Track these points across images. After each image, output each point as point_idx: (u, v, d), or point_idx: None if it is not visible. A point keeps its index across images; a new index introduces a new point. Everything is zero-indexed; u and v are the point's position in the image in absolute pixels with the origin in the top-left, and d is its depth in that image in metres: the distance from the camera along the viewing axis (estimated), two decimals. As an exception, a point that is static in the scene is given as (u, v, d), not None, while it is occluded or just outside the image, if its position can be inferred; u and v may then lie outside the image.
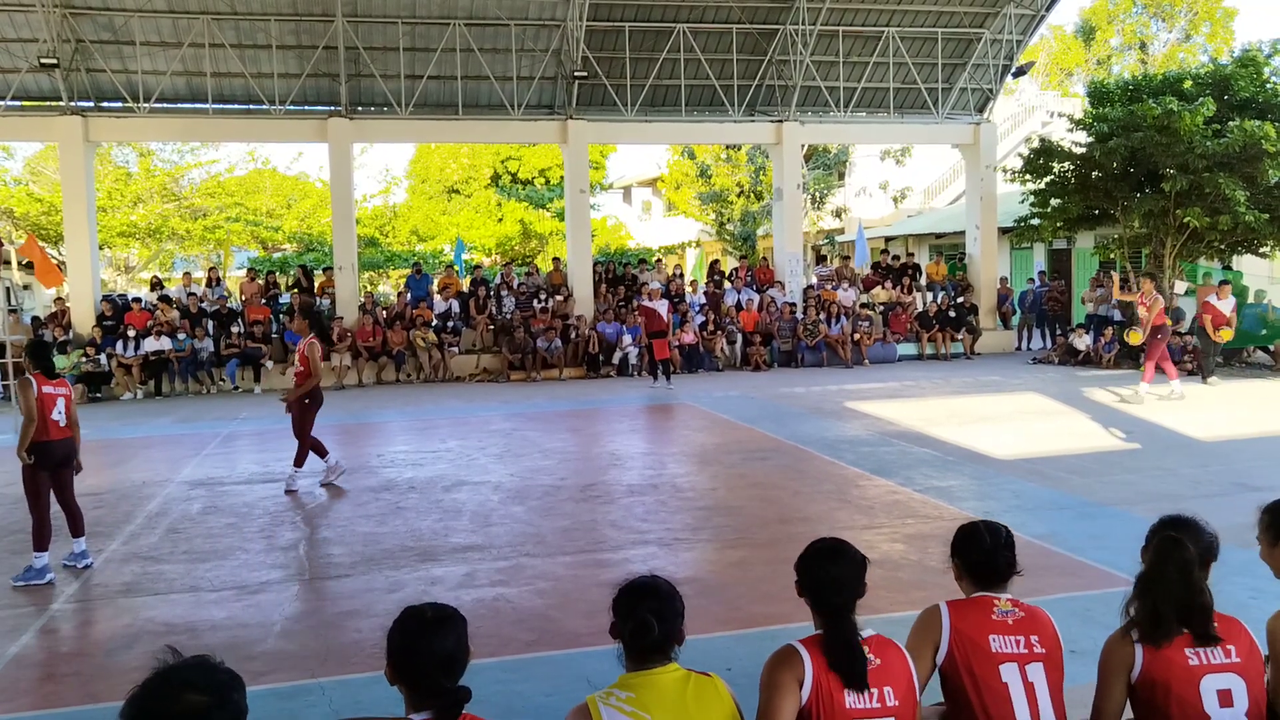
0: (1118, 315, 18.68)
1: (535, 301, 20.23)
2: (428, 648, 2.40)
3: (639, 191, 46.36)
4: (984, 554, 3.08)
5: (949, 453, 10.21)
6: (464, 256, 25.00)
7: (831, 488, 8.85)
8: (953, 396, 14.70)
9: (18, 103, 18.62)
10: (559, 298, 20.56)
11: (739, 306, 20.81)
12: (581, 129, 20.56)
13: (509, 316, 19.67)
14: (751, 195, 32.33)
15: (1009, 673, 2.87)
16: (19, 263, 16.35)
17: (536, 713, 4.41)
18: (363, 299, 20.22)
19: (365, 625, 5.60)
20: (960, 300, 21.70)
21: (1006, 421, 12.13)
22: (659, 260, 26.51)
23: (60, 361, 17.03)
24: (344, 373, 18.27)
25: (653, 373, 17.15)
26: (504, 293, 20.69)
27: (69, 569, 6.91)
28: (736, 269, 22.98)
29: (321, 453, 9.55)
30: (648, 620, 2.60)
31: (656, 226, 43.06)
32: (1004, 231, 23.66)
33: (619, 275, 22.00)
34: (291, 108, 19.55)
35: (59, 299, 19.33)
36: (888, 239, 30.11)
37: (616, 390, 16.89)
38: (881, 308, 21.59)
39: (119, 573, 6.77)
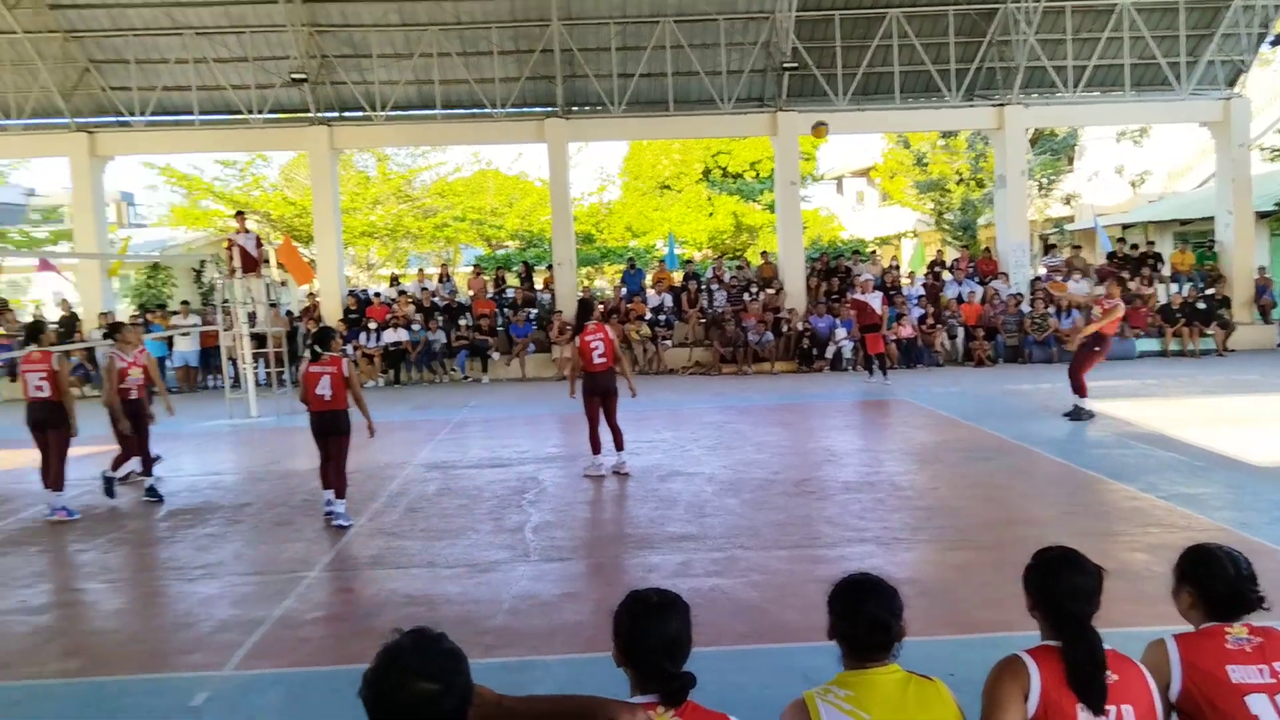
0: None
1: (746, 295, 20.23)
2: (653, 631, 2.44)
3: (852, 182, 45.36)
4: (1229, 586, 2.80)
5: (1197, 457, 9.41)
6: (676, 251, 25.33)
7: (1062, 491, 8.38)
8: (1202, 396, 13.54)
9: (274, 115, 20.46)
10: (770, 291, 20.47)
11: (960, 299, 20.00)
12: (791, 120, 20.35)
13: (720, 310, 19.78)
14: (972, 183, 30.95)
15: (1258, 705, 2.62)
16: (277, 261, 18.02)
17: (752, 704, 4.42)
18: (581, 293, 20.90)
19: (585, 608, 5.82)
20: (1210, 292, 19.91)
21: (1266, 425, 11.05)
22: (873, 252, 25.86)
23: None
24: (564, 364, 18.97)
25: (867, 367, 16.77)
26: (715, 286, 20.81)
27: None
28: (957, 260, 22.09)
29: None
30: (868, 618, 2.57)
31: (870, 217, 42.00)
32: (1261, 216, 21.52)
33: (831, 268, 21.65)
34: (511, 110, 20.45)
35: (311, 294, 21.13)
36: (1125, 226, 28.04)
37: (829, 385, 16.64)
38: (1117, 300, 20.10)
39: (366, 546, 7.34)
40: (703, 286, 20.76)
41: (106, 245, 21.03)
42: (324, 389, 8.01)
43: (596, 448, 9.58)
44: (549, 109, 20.41)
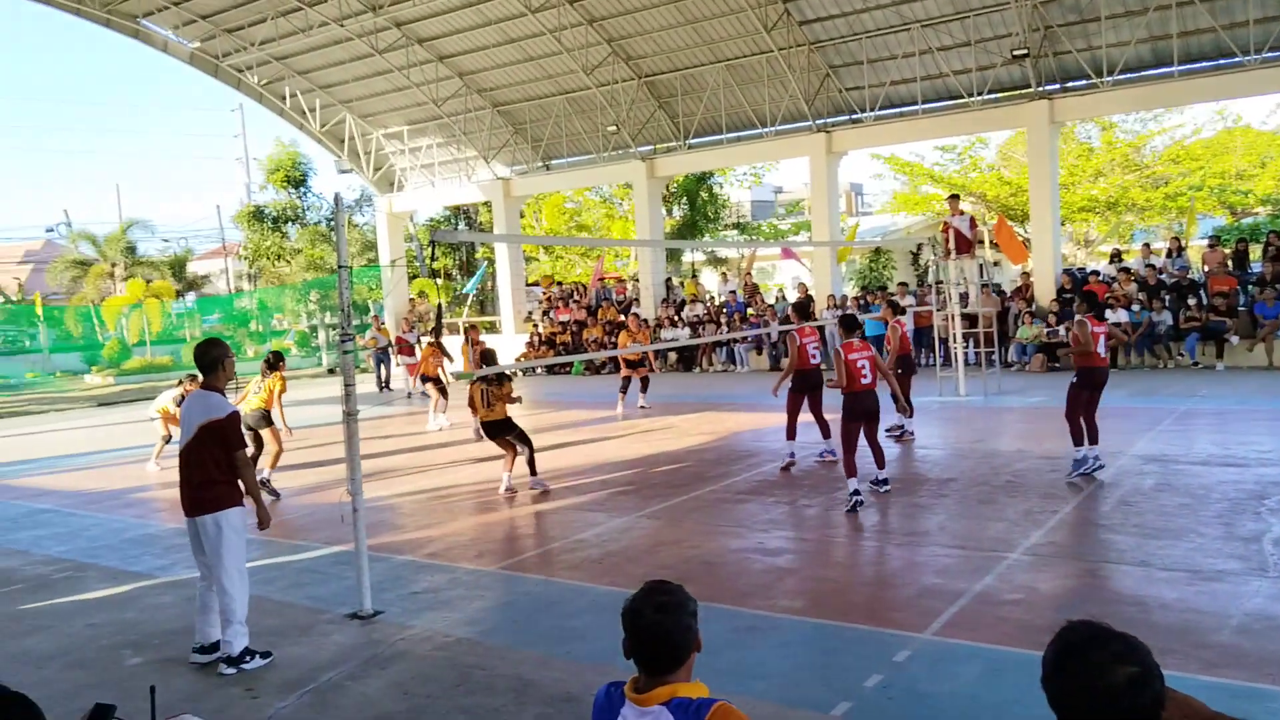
0: None
1: None
2: None
3: None
4: None
5: None
6: None
7: None
8: None
9: (993, 96, 20.47)
10: None
11: None
12: None
13: None
14: None
15: None
16: (990, 242, 18.10)
17: None
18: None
19: (1345, 643, 4.87)
20: None
21: None
22: None
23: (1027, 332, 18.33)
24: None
25: None
26: None
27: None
28: None
29: None
30: None
31: None
32: None
33: None
34: (1268, 55, 17.52)
35: (1024, 274, 20.80)
36: None
37: None
38: None
39: (1072, 534, 7.07)
40: None
41: (837, 233, 23.22)
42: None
43: None
44: (1320, 46, 17.08)
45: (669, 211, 32.64)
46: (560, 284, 29.90)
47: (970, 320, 16.20)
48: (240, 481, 5.53)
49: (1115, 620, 1.95)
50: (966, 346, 15.98)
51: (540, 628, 5.86)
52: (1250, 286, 17.62)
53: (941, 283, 16.22)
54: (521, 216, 30.91)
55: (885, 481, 8.76)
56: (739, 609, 5.91)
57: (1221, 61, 18.20)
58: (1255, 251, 20.13)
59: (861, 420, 8.45)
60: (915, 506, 8.25)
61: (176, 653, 5.76)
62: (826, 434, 10.38)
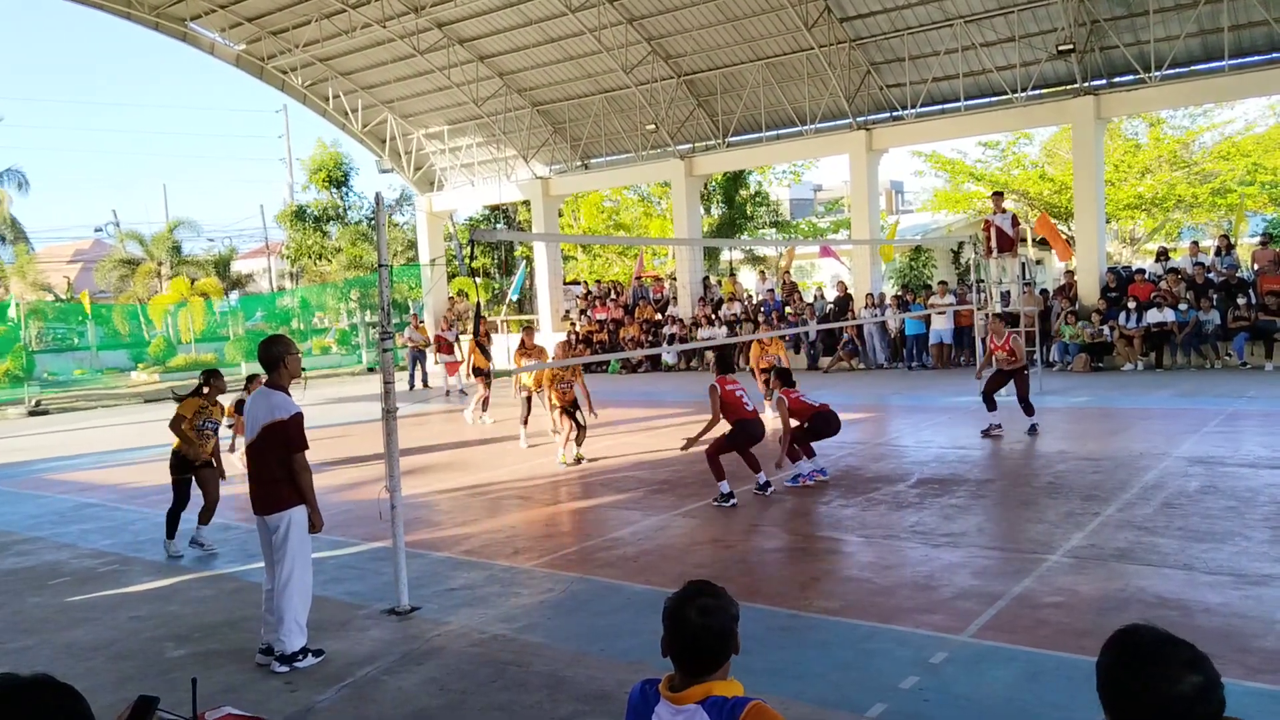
0: None
1: None
2: None
3: None
4: None
5: None
6: None
7: None
8: None
9: (1037, 92, 20.19)
10: None
11: None
12: None
13: None
14: None
15: None
16: (1033, 239, 17.85)
17: None
18: None
19: (1396, 650, 4.76)
20: None
21: None
22: None
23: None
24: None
25: None
26: None
27: None
28: None
29: None
30: None
31: None
32: None
33: None
34: (1325, 47, 17.12)
35: (1069, 272, 20.50)
36: None
37: None
38: None
39: (1114, 537, 6.96)
40: None
41: (877, 231, 23.05)
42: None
43: None
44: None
45: (707, 210, 32.58)
46: (597, 283, 29.95)
47: (1012, 319, 15.99)
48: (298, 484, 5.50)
49: (1158, 624, 1.92)
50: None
51: (575, 625, 5.89)
52: (1303, 285, 17.21)
53: (982, 281, 16.04)
54: (560, 215, 31.03)
55: (768, 484, 9.09)
56: (775, 609, 5.89)
57: (1274, 55, 17.79)
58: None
59: (744, 444, 8.99)
60: (954, 508, 8.17)
61: (218, 645, 5.87)
62: (810, 453, 9.67)
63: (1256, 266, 18.45)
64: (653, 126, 24.84)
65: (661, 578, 6.58)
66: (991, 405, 11.35)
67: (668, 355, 23.72)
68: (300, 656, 5.41)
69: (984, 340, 13.38)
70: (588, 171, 27.63)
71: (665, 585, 6.20)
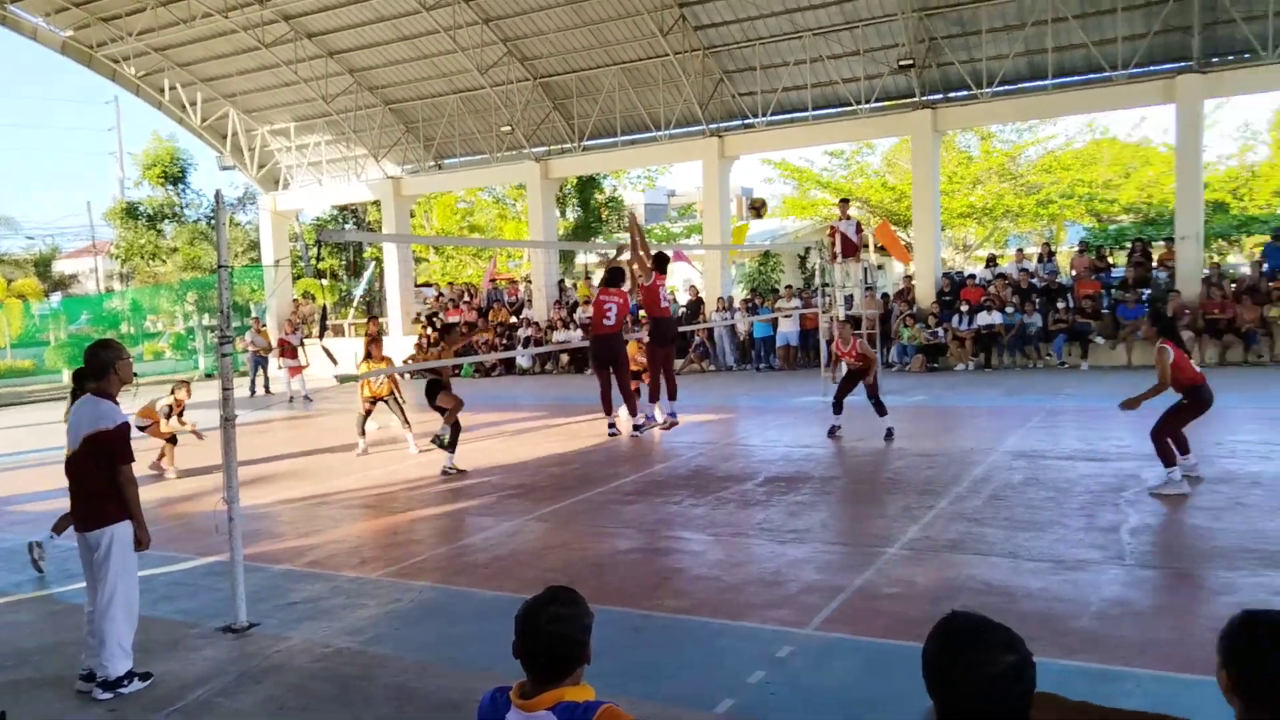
0: None
1: None
2: (1276, 660, 1.98)
3: None
4: None
5: None
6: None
7: None
8: None
9: (880, 104, 21.09)
10: None
11: None
12: None
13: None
14: None
15: None
16: (874, 245, 18.63)
17: None
18: (1207, 271, 18.35)
19: (1189, 625, 5.18)
20: None
21: None
22: None
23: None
24: (1193, 347, 16.85)
25: None
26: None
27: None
28: None
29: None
30: None
31: None
32: None
33: None
34: (1134, 71, 18.52)
35: (907, 277, 21.47)
36: None
37: None
38: None
39: (947, 529, 7.32)
40: (1380, 260, 16.91)
41: (728, 237, 23.55)
42: None
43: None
44: (1180, 65, 18.08)
45: (562, 213, 32.57)
46: (450, 285, 29.48)
47: (855, 322, 16.62)
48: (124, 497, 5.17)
49: (984, 610, 2.03)
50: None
51: (424, 635, 5.77)
52: (1113, 290, 18.59)
53: (828, 285, 16.60)
54: (412, 216, 30.41)
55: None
56: (627, 610, 5.92)
57: (1091, 76, 19.15)
58: (1118, 257, 21.21)
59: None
60: (800, 505, 8.41)
61: (33, 673, 5.46)
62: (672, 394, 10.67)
63: (1074, 273, 19.80)
64: (509, 128, 24.67)
65: (514, 583, 6.52)
66: (838, 409, 11.71)
67: (522, 359, 23.59)
68: (125, 682, 5.08)
69: (828, 343, 13.87)
70: (441, 172, 27.18)
71: (518, 591, 6.15)
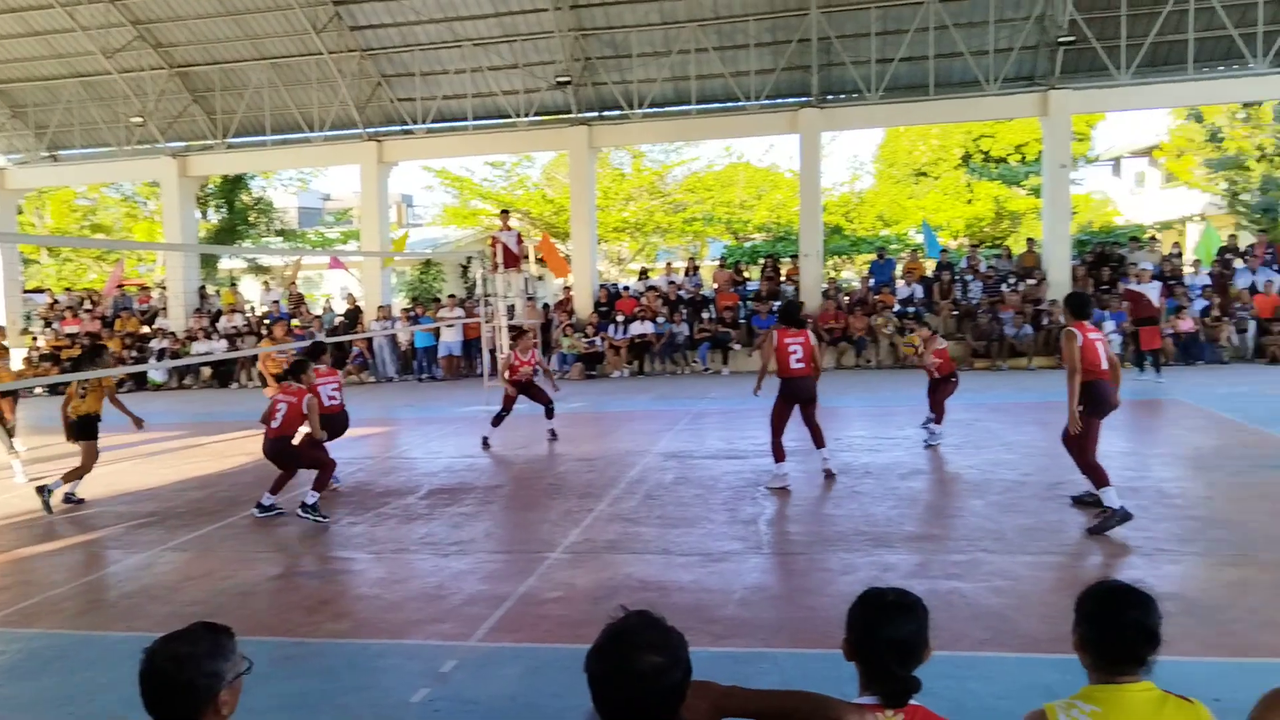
0: None
1: (1004, 286, 19.14)
2: (886, 630, 2.37)
3: (1131, 162, 41.64)
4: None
5: None
6: (935, 239, 24.40)
7: (1373, 508, 7.33)
8: None
9: (539, 118, 21.57)
10: (1030, 281, 19.24)
11: (1253, 289, 17.94)
12: (1065, 99, 19.01)
13: (974, 301, 18.83)
14: (1277, 159, 27.61)
15: None
16: (535, 257, 19.06)
17: (988, 714, 4.21)
18: (826, 285, 20.59)
19: (817, 603, 5.74)
20: None
21: None
22: (1152, 238, 23.69)
23: (564, 342, 19.50)
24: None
25: (1138, 364, 15.42)
26: (969, 277, 19.85)
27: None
28: (1252, 245, 19.81)
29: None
30: (1122, 626, 2.36)
31: (1151, 200, 38.43)
32: None
33: (1103, 256, 20.04)
34: (765, 102, 20.41)
35: (566, 288, 22.11)
36: None
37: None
38: None
39: (605, 530, 7.60)
40: (956, 277, 19.86)
41: (388, 244, 22.99)
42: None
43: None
44: (803, 99, 20.20)
45: (204, 214, 30.12)
46: (67, 291, 26.26)
47: (516, 331, 16.82)
48: None
49: (641, 605, 2.11)
50: (514, 357, 16.58)
51: (37, 690, 5.05)
52: (749, 301, 20.32)
53: (490, 295, 16.67)
54: (19, 213, 26.73)
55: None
56: (279, 638, 5.56)
57: (729, 104, 20.85)
58: (753, 271, 23.22)
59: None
60: (463, 516, 8.36)
61: None
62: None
63: (716, 286, 21.42)
64: (140, 120, 22.41)
65: (146, 621, 5.90)
66: (498, 420, 11.71)
67: (156, 373, 21.48)
68: None
69: (491, 352, 13.92)
70: (57, 164, 24.17)
71: (151, 629, 5.53)
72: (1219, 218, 31.63)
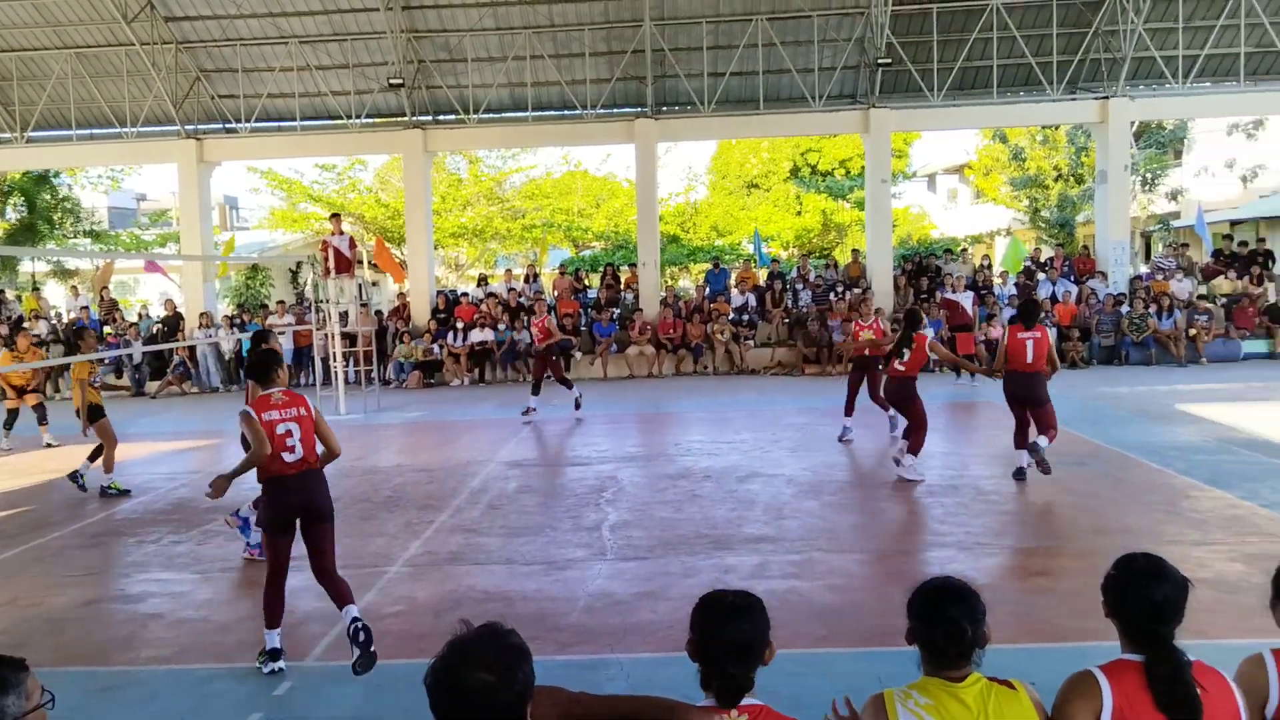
0: None
1: (832, 294, 19.98)
2: (724, 632, 2.42)
3: (945, 179, 44.39)
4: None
5: (1306, 465, 8.96)
6: (763, 249, 25.22)
7: (1158, 498, 8.06)
8: (1313, 401, 12.87)
9: (371, 120, 21.02)
10: (857, 290, 20.16)
11: (1054, 299, 19.39)
12: (884, 117, 20.02)
13: (804, 309, 19.57)
14: (1071, 179, 30.00)
15: None
16: (369, 262, 18.55)
17: (826, 708, 4.37)
18: (664, 293, 20.93)
19: (661, 607, 5.82)
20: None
21: (1384, 432, 10.45)
22: (964, 250, 25.27)
23: (401, 351, 19.07)
24: (655, 361, 19.05)
25: (955, 369, 16.42)
26: (799, 286, 20.62)
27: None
28: (1052, 258, 21.41)
29: None
30: (949, 624, 2.50)
31: (963, 215, 41.08)
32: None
33: (921, 266, 21.23)
34: (601, 111, 20.59)
35: (401, 294, 21.61)
36: (1233, 223, 26.81)
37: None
38: (1224, 300, 19.28)
39: (447, 542, 7.48)
40: (787, 286, 20.59)
41: (211, 248, 21.87)
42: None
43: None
44: (638, 110, 20.48)
45: (1, 213, 27.82)
46: None
47: (350, 339, 16.35)
48: None
49: (484, 616, 2.09)
50: (346, 365, 16.10)
51: None
52: (589, 309, 20.42)
53: (322, 301, 16.14)
54: None
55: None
56: (94, 668, 5.21)
57: (566, 112, 20.89)
58: (593, 279, 23.38)
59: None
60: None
61: None
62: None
63: (556, 293, 21.41)
64: (-79, 108, 20.50)
65: (-61, 657, 5.39)
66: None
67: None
68: None
69: (324, 360, 13.46)
70: None
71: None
72: (1023, 232, 34.12)
